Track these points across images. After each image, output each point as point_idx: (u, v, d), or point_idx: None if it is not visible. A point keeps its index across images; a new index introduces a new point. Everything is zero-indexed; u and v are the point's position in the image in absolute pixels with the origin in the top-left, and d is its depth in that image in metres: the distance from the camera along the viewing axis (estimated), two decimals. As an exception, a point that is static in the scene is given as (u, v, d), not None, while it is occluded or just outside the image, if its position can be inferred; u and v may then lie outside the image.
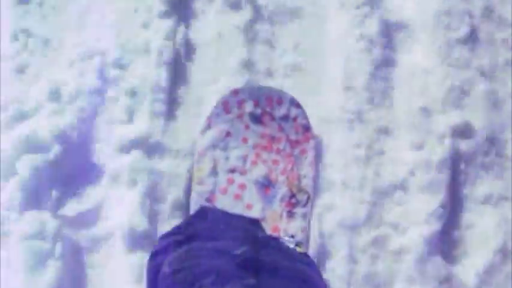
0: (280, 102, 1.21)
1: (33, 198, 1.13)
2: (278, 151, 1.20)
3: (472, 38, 1.38)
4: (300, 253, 1.08)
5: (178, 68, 1.31)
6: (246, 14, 1.34)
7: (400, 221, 1.19)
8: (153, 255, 0.93)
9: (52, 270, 1.06)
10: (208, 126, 1.20)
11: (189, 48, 1.33)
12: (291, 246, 1.09)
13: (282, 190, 1.17)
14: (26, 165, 1.12)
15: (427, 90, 1.32)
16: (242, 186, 1.17)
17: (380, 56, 1.33)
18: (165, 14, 1.33)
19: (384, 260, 1.17)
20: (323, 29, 1.37)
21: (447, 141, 1.25)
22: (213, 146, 1.18)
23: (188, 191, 1.17)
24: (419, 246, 1.16)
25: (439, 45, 1.35)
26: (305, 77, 1.31)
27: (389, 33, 1.37)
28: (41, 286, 1.05)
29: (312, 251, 1.14)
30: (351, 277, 1.14)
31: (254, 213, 1.15)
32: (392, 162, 1.25)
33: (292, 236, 1.12)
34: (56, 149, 1.15)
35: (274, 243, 0.97)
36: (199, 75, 1.31)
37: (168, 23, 1.32)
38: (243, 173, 1.18)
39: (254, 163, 1.19)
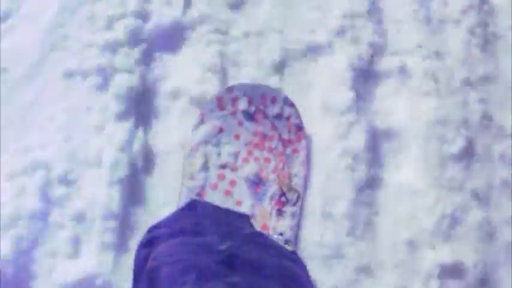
0: (274, 100, 1.21)
1: None
2: (270, 149, 1.20)
3: (467, 154, 1.27)
4: (288, 251, 1.08)
5: (134, 185, 1.16)
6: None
7: None
8: (140, 247, 0.93)
9: None
10: (202, 122, 1.20)
11: (147, 160, 1.19)
12: (280, 244, 1.10)
13: (273, 188, 1.17)
14: None
15: (415, 219, 1.19)
16: (232, 183, 1.17)
17: (364, 176, 1.20)
18: (122, 115, 1.21)
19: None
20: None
21: (434, 283, 1.13)
22: (205, 141, 1.18)
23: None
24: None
25: (431, 162, 1.24)
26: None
27: (377, 145, 1.25)
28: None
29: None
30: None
31: (244, 209, 1.14)
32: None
33: (281, 234, 1.12)
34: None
35: (261, 239, 0.97)
36: (159, 193, 1.17)
37: (124, 126, 1.19)
38: (234, 169, 1.18)
39: (245, 160, 1.19)
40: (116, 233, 1.10)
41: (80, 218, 1.11)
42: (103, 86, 1.25)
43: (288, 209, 1.16)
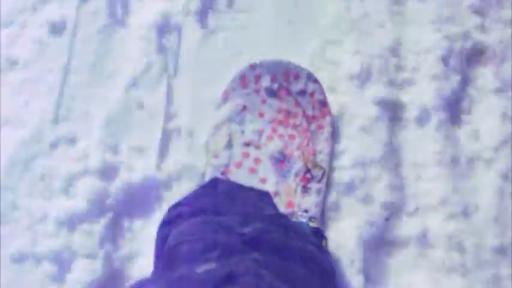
0: (297, 77, 1.20)
1: None
2: (294, 126, 1.19)
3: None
4: (313, 228, 1.08)
5: None
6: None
7: None
8: (161, 226, 0.93)
9: None
10: (225, 100, 1.20)
11: None
12: (304, 220, 1.09)
13: (297, 165, 1.16)
14: None
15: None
16: (257, 160, 1.17)
17: None
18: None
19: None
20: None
21: None
22: (229, 119, 1.18)
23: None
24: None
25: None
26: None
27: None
28: None
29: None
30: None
31: (268, 187, 1.14)
32: None
33: (306, 211, 1.12)
34: None
35: (282, 221, 0.95)
36: None
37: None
38: (258, 147, 1.18)
39: (270, 137, 1.18)
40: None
41: None
42: (59, 276, 1.07)
43: (313, 186, 1.15)
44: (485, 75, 1.31)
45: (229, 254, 0.81)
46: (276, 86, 1.20)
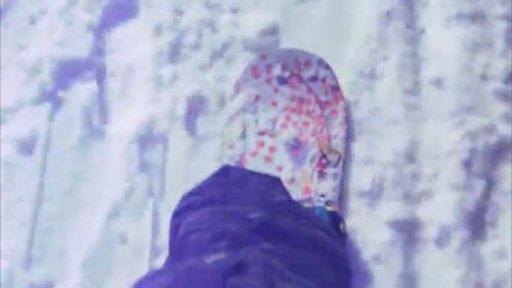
0: (308, 64, 1.20)
1: None
2: (308, 113, 1.19)
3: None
4: (330, 212, 1.08)
5: None
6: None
7: None
8: (173, 216, 0.95)
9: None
10: (237, 91, 1.21)
11: None
12: (321, 205, 1.10)
13: (312, 151, 1.17)
14: None
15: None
16: (272, 149, 1.18)
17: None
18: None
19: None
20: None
21: None
22: (243, 109, 1.20)
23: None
24: None
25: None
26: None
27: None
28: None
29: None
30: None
31: (284, 174, 1.15)
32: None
33: (323, 196, 1.12)
34: None
35: (292, 207, 0.95)
36: None
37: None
38: (272, 135, 1.19)
39: (284, 125, 1.19)
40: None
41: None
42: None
43: (330, 171, 1.15)
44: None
45: (238, 243, 0.81)
46: (287, 74, 1.20)
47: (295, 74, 1.20)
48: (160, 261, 1.06)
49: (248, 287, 0.72)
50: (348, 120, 1.19)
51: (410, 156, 1.17)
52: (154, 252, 1.11)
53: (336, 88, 1.19)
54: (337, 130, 1.18)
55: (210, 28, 1.30)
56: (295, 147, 1.17)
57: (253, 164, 1.16)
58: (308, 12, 1.31)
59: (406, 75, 1.23)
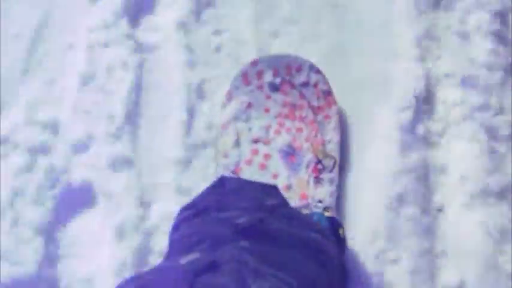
0: (299, 69, 1.20)
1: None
2: (301, 118, 1.18)
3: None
4: (328, 218, 1.07)
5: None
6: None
7: None
8: (171, 231, 0.93)
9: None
10: (229, 99, 1.20)
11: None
12: (319, 211, 1.09)
13: (307, 157, 1.16)
14: None
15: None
16: (267, 156, 1.17)
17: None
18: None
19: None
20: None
21: None
22: (235, 118, 1.18)
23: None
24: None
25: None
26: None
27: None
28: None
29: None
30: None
31: (280, 181, 1.14)
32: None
33: (320, 201, 1.11)
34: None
35: (284, 210, 0.93)
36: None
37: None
38: (266, 142, 1.17)
39: (277, 132, 1.18)
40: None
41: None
42: None
43: (326, 176, 1.14)
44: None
45: (217, 244, 0.80)
46: (278, 80, 1.19)
47: (286, 80, 1.19)
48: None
49: (218, 284, 0.71)
50: (341, 124, 1.19)
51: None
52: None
53: (328, 93, 1.19)
54: (331, 135, 1.17)
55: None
56: (290, 153, 1.16)
57: (249, 173, 1.15)
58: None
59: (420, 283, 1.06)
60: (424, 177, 1.14)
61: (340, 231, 1.05)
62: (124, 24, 1.32)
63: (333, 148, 1.16)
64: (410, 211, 1.10)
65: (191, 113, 1.23)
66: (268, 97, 1.19)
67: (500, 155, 1.15)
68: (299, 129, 1.18)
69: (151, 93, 1.27)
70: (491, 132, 1.17)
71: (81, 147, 1.21)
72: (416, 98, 1.20)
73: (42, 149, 1.20)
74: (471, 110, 1.18)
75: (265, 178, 1.14)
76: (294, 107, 1.19)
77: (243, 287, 0.71)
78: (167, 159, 1.19)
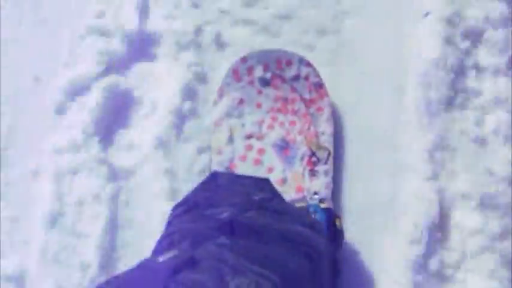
0: (289, 63, 1.19)
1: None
2: (294, 112, 1.18)
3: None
4: (324, 209, 1.06)
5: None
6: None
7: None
8: (164, 229, 0.93)
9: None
10: (221, 96, 1.20)
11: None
12: (314, 202, 1.08)
13: (301, 150, 1.16)
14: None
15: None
16: (261, 151, 1.16)
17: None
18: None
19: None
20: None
21: None
22: (228, 114, 1.18)
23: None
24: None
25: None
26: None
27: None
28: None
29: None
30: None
31: (276, 176, 1.14)
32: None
33: (316, 193, 1.11)
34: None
35: (272, 204, 0.92)
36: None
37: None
38: (260, 138, 1.17)
39: (270, 127, 1.18)
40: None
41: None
42: None
43: (320, 168, 1.14)
44: None
45: (198, 242, 0.80)
46: (269, 75, 1.19)
47: (277, 74, 1.19)
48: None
49: (196, 281, 0.71)
50: (334, 116, 1.18)
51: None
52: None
53: (319, 85, 1.18)
54: (324, 126, 1.17)
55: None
56: (284, 147, 1.16)
57: (243, 168, 1.15)
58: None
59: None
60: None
61: (337, 222, 1.05)
62: (95, 145, 1.19)
63: (326, 139, 1.16)
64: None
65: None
66: (260, 92, 1.19)
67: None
68: (292, 123, 1.18)
69: (128, 232, 1.15)
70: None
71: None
72: (429, 227, 1.06)
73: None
74: (491, 239, 1.06)
75: (260, 173, 1.14)
76: (285, 100, 1.19)
77: (221, 284, 0.71)
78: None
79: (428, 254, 1.05)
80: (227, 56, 1.25)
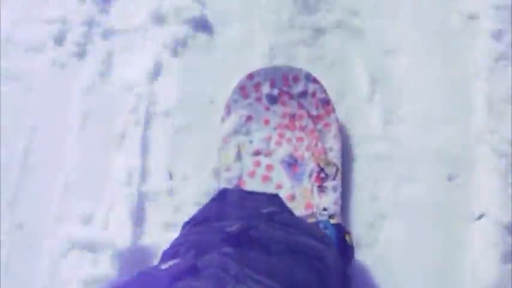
0: (296, 79, 1.20)
1: None
2: (301, 128, 1.19)
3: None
4: (334, 225, 1.06)
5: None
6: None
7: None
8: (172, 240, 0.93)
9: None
10: (228, 113, 1.20)
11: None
12: (324, 218, 1.08)
13: (310, 166, 1.16)
14: None
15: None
16: (269, 168, 1.17)
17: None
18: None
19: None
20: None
21: None
22: (235, 131, 1.19)
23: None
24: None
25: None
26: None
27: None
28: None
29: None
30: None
31: (284, 192, 1.14)
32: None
33: (325, 209, 1.11)
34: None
35: (281, 217, 0.92)
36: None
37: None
38: (268, 154, 1.18)
39: (278, 143, 1.18)
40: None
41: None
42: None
43: (329, 184, 1.14)
44: None
45: (202, 252, 0.79)
46: (276, 91, 1.20)
47: (284, 91, 1.20)
48: None
49: None
50: (342, 132, 1.19)
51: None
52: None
53: (326, 101, 1.19)
54: (332, 142, 1.17)
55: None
56: (292, 164, 1.17)
57: (252, 185, 1.15)
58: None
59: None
60: None
61: (347, 238, 1.05)
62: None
63: (334, 155, 1.16)
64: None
65: None
66: (267, 109, 1.20)
67: None
68: (300, 139, 1.18)
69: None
70: None
71: None
72: None
73: None
74: None
75: (269, 190, 1.14)
76: (293, 117, 1.19)
77: None
78: None
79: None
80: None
